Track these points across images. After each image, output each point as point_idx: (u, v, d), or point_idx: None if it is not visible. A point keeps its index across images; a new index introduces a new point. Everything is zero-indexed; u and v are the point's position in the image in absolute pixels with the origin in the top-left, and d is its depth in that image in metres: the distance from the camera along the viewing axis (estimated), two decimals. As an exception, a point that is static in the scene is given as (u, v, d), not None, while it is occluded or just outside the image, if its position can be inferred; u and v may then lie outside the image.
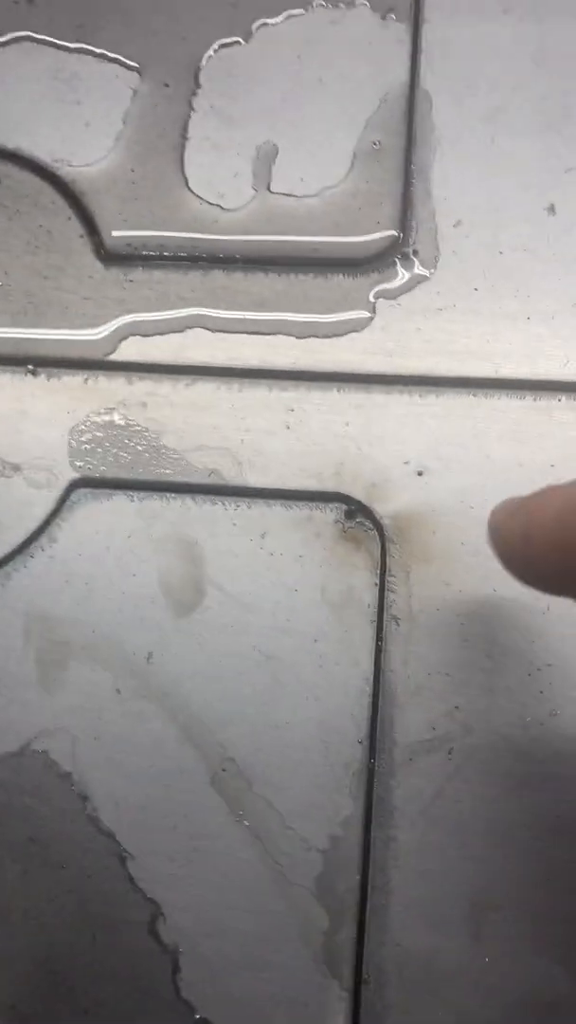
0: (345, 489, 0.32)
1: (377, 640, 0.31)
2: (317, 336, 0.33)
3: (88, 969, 0.30)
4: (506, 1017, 0.28)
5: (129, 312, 0.34)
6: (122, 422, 0.33)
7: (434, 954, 0.29)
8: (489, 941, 0.29)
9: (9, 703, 0.32)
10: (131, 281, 0.34)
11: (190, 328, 0.34)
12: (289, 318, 0.33)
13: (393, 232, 0.33)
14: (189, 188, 0.34)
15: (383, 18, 0.35)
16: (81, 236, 0.35)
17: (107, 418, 0.33)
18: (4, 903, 0.31)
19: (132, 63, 0.36)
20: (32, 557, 0.32)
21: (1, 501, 0.33)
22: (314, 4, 0.35)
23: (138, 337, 0.34)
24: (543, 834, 0.29)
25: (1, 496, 0.33)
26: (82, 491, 0.33)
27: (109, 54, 0.36)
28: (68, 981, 0.30)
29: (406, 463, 0.32)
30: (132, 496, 0.33)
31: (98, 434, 0.33)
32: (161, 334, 0.34)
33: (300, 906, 0.29)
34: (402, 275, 0.33)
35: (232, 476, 0.32)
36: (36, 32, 0.36)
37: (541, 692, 0.29)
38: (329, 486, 0.32)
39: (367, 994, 0.29)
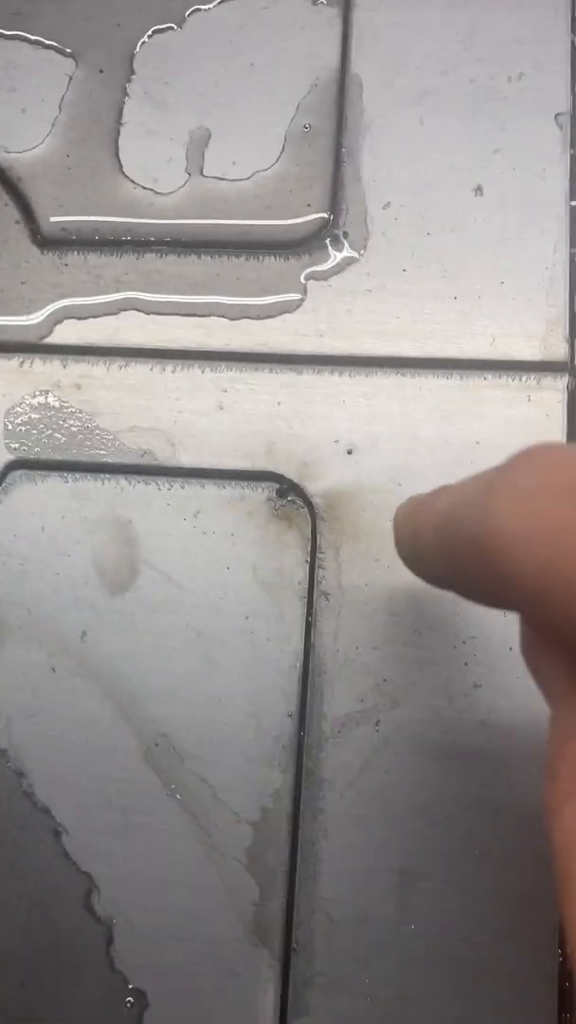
0: (277, 468, 0.32)
1: (307, 616, 0.31)
2: (249, 318, 0.33)
3: (23, 943, 0.30)
4: (430, 982, 0.29)
5: (64, 296, 0.34)
6: (57, 404, 0.34)
7: (362, 922, 0.29)
8: (415, 910, 0.29)
9: (-55, 682, 0.32)
10: (66, 265, 0.34)
11: (124, 311, 0.34)
12: (222, 300, 0.34)
13: (324, 214, 0.34)
14: (124, 173, 0.35)
15: (314, 3, 0.35)
16: (17, 222, 0.35)
17: (42, 400, 0.34)
18: None
19: (67, 50, 0.36)
20: (-32, 538, 0.33)
21: None
22: (247, -10, 0.36)
23: (73, 320, 0.34)
24: (467, 805, 0.29)
25: None
26: (17, 472, 0.33)
27: (45, 41, 0.36)
28: (3, 954, 0.30)
29: (336, 442, 0.32)
30: (67, 477, 0.33)
31: (33, 416, 0.33)
32: (96, 317, 0.34)
33: (231, 878, 0.30)
34: (333, 257, 0.33)
35: (166, 456, 0.33)
36: (-27, 20, 0.37)
37: (465, 664, 0.30)
38: (261, 465, 0.32)
39: (296, 962, 0.29)
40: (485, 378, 0.32)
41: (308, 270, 0.33)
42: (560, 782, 0.19)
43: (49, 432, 0.33)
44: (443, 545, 0.20)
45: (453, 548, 0.20)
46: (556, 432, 0.31)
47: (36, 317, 0.34)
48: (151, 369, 0.33)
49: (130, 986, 0.30)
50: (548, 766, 0.19)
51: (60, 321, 0.34)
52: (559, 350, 0.32)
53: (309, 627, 0.31)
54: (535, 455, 0.18)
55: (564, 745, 0.19)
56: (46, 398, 0.34)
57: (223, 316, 0.34)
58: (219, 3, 0.36)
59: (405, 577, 0.31)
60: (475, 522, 0.18)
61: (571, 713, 0.19)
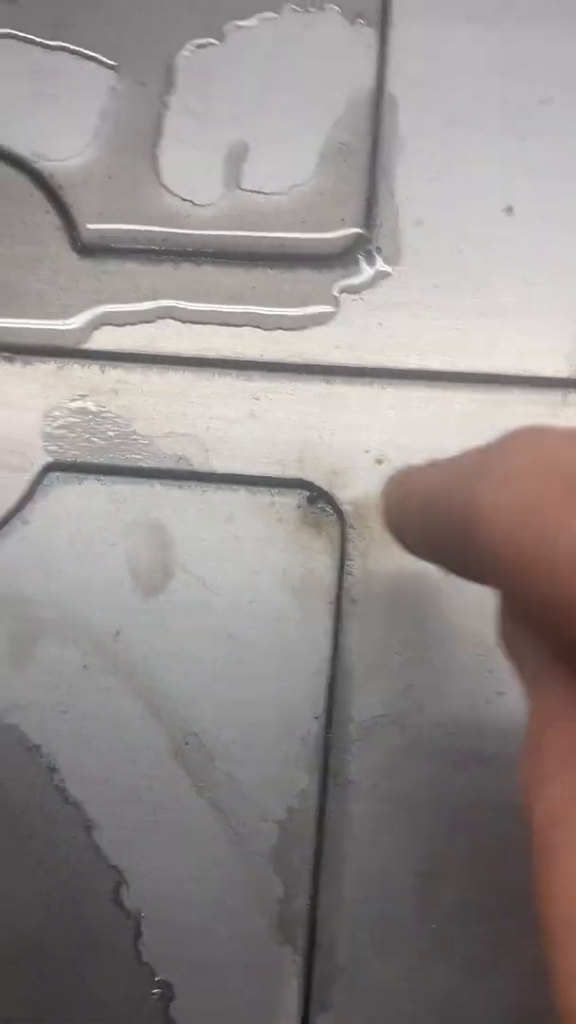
0: (307, 476, 0.33)
1: (335, 620, 0.32)
2: (283, 328, 0.34)
3: (54, 935, 0.31)
4: (450, 978, 0.30)
5: (102, 303, 0.35)
6: (94, 408, 0.34)
7: (384, 921, 0.30)
8: (436, 909, 0.30)
9: (-20, 678, 0.33)
10: (105, 273, 0.35)
11: (161, 319, 0.35)
12: (257, 311, 0.34)
13: (358, 230, 0.35)
14: (163, 184, 0.36)
15: (352, 23, 0.36)
16: (58, 228, 0.36)
17: (80, 404, 0.34)
18: (-27, 870, 0.32)
19: (110, 62, 0.37)
20: (5, 538, 0.33)
21: (-25, 483, 0.34)
22: (286, 8, 0.37)
23: (111, 327, 0.35)
24: (488, 808, 0.30)
25: (-25, 479, 0.34)
26: (55, 475, 0.34)
27: (87, 52, 0.37)
28: (36, 947, 0.31)
29: (366, 451, 0.33)
30: (103, 480, 0.34)
31: (71, 420, 0.34)
32: (133, 324, 0.35)
33: (257, 875, 0.31)
34: (365, 271, 0.34)
35: (200, 462, 0.34)
36: (17, 30, 0.37)
37: (489, 672, 0.31)
38: (292, 473, 0.33)
39: (320, 959, 0.30)
40: (512, 393, 0.33)
41: (341, 283, 0.34)
42: (545, 759, 0.19)
43: (87, 436, 0.34)
44: (429, 515, 0.21)
45: (439, 518, 0.20)
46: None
47: (74, 323, 0.35)
48: (186, 376, 0.34)
49: (157, 978, 0.31)
50: (530, 745, 0.19)
51: (98, 327, 0.35)
52: (586, 368, 0.33)
53: (337, 631, 0.32)
54: (527, 435, 0.19)
55: (547, 725, 0.19)
56: (84, 402, 0.34)
57: (258, 326, 0.34)
58: (259, 20, 0.37)
59: (432, 585, 0.32)
60: (462, 496, 0.19)
61: (551, 695, 0.20)
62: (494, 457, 0.19)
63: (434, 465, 0.22)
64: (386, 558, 0.32)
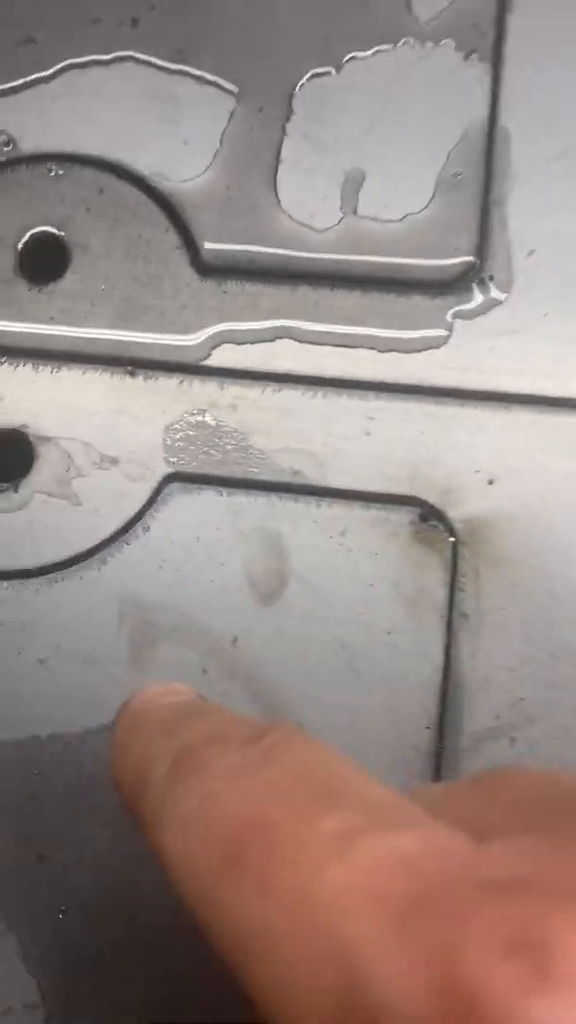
0: (420, 493, 0.34)
1: (447, 634, 0.33)
2: (397, 351, 0.36)
3: (171, 926, 0.32)
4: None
5: (222, 321, 0.36)
6: (213, 423, 0.36)
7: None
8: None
9: (103, 679, 0.34)
10: (225, 292, 0.36)
11: (279, 338, 0.36)
12: (372, 333, 0.36)
13: (471, 258, 0.36)
14: (281, 208, 0.37)
15: (466, 58, 0.38)
16: (178, 247, 0.37)
17: (199, 418, 0.36)
18: (95, 864, 0.33)
19: (229, 87, 0.38)
20: (127, 545, 0.35)
21: (100, 491, 0.35)
22: (401, 41, 0.38)
23: (230, 345, 0.36)
24: (596, 817, 0.31)
25: (100, 487, 0.35)
26: (174, 485, 0.35)
27: (208, 76, 0.38)
28: (152, 937, 0.32)
29: (477, 472, 0.34)
30: (221, 491, 0.35)
31: (191, 433, 0.36)
32: (252, 343, 0.36)
33: (370, 875, 0.32)
34: (478, 298, 0.36)
35: (315, 477, 0.35)
36: (139, 53, 0.39)
37: (599, 687, 0.32)
38: (405, 490, 0.35)
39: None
40: (621, 420, 0.34)
41: (454, 309, 0.36)
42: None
43: (206, 449, 0.35)
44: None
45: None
46: None
47: (195, 339, 0.36)
48: (303, 394, 0.36)
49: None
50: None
51: (218, 345, 0.36)
52: None
53: (449, 645, 0.33)
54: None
55: None
56: (203, 417, 0.36)
57: (372, 348, 0.36)
58: (375, 52, 0.38)
59: (541, 603, 0.33)
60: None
61: None
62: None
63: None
64: (497, 575, 0.33)
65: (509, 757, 0.32)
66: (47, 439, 0.36)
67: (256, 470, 0.35)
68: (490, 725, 0.33)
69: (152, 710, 0.22)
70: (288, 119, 0.38)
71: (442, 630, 0.33)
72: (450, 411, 0.35)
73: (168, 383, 0.36)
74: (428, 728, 0.33)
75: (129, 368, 0.36)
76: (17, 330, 0.37)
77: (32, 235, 0.38)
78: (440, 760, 0.32)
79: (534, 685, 0.33)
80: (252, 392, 0.36)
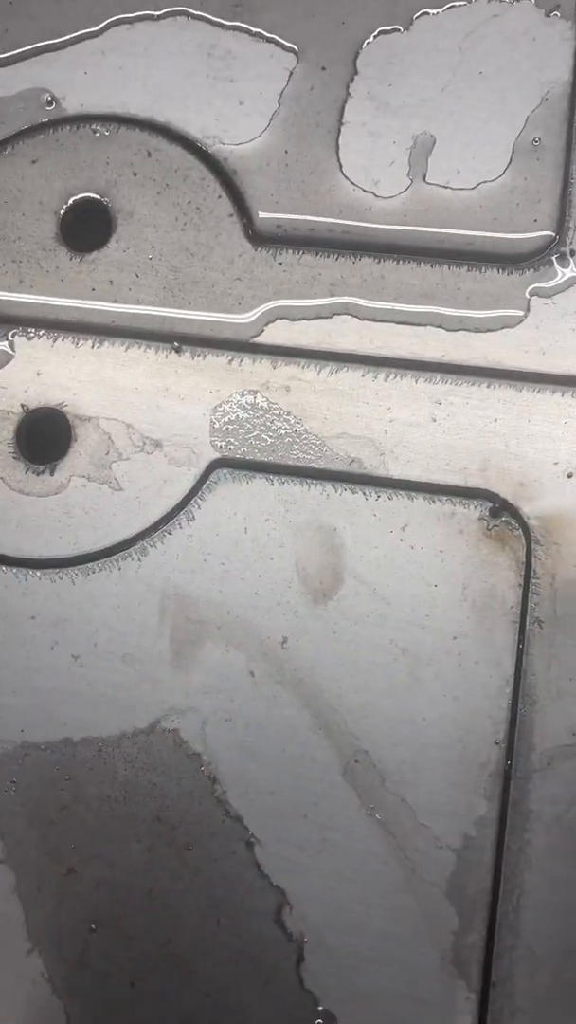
0: (491, 487, 0.32)
1: (519, 642, 0.30)
2: (468, 330, 0.33)
3: (210, 953, 0.30)
4: None
5: (277, 295, 0.34)
6: (265, 404, 0.33)
7: (567, 960, 0.28)
8: (622, 952, 0.28)
9: (141, 679, 0.31)
10: (280, 264, 0.34)
11: (338, 315, 0.33)
12: (440, 311, 0.33)
13: (550, 232, 0.33)
14: (343, 173, 0.34)
15: (547, 14, 0.35)
16: (231, 215, 0.34)
17: (250, 400, 0.33)
18: (128, 881, 0.30)
19: (289, 44, 0.35)
20: (170, 534, 0.32)
21: (142, 477, 0.32)
22: (477, -4, 0.35)
23: (285, 321, 0.33)
24: None
25: (142, 472, 0.33)
26: (222, 471, 0.32)
27: (266, 34, 0.36)
28: (189, 963, 0.30)
29: (555, 464, 0.31)
30: (271, 480, 0.32)
31: (241, 415, 0.33)
32: (308, 319, 0.33)
33: (430, 904, 0.29)
34: (559, 274, 0.33)
35: (374, 466, 0.32)
36: (192, 8, 0.36)
37: None
38: (474, 482, 0.32)
39: (495, 997, 0.29)
40: None
41: (532, 286, 0.33)
42: None
43: (256, 433, 0.33)
44: None
45: None
46: None
47: (248, 316, 0.33)
48: (363, 376, 0.33)
49: (319, 1007, 0.29)
50: None
51: (272, 321, 0.33)
52: None
53: (520, 653, 0.30)
54: None
55: None
56: (254, 398, 0.33)
57: (440, 327, 0.33)
58: (448, 7, 0.35)
59: (624, 609, 0.30)
60: None
61: None
62: None
63: None
64: None
65: (586, 778, 0.29)
66: (86, 419, 0.33)
67: (310, 457, 0.32)
68: (564, 743, 0.30)
69: None
70: (352, 79, 0.35)
71: (513, 637, 0.30)
72: (526, 397, 0.32)
73: (217, 361, 0.33)
74: (497, 744, 0.30)
75: (176, 344, 0.33)
76: (57, 302, 0.34)
77: (75, 201, 0.35)
78: (508, 780, 0.30)
79: (616, 700, 0.30)
80: (308, 373, 0.33)
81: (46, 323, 0.34)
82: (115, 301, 0.34)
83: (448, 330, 0.33)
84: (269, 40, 0.36)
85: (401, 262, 0.33)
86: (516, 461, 0.32)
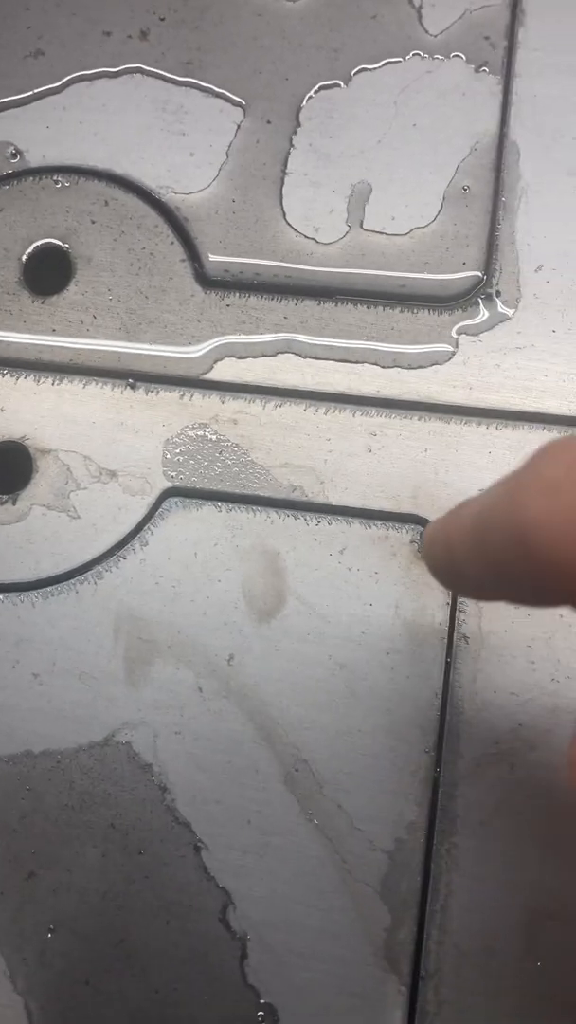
0: (422, 512, 0.34)
1: (447, 657, 0.33)
2: (401, 367, 0.35)
3: (161, 951, 0.32)
4: (554, 1019, 0.30)
5: (224, 334, 0.36)
6: (213, 437, 0.35)
7: (489, 956, 0.30)
8: (542, 948, 0.30)
9: (96, 696, 0.33)
10: (228, 305, 0.36)
11: (281, 353, 0.36)
12: (376, 348, 0.35)
13: (478, 273, 0.35)
14: (287, 220, 0.37)
15: (476, 71, 0.37)
16: (182, 260, 0.37)
17: (200, 433, 0.35)
18: (84, 885, 0.33)
19: (237, 99, 0.38)
20: (124, 559, 0.34)
21: (98, 505, 0.35)
22: (411, 54, 0.38)
23: (232, 359, 0.36)
24: (598, 848, 0.31)
25: (98, 500, 0.35)
26: (173, 499, 0.35)
27: (216, 89, 0.38)
28: (141, 961, 0.32)
29: (480, 490, 0.34)
30: (220, 507, 0.35)
31: (191, 447, 0.35)
32: (254, 357, 0.36)
33: (364, 903, 0.31)
34: (484, 314, 0.35)
35: (315, 493, 0.34)
36: (147, 65, 0.39)
37: (602, 714, 0.31)
38: (406, 508, 0.34)
39: (424, 990, 0.31)
40: (629, 440, 0.33)
41: (460, 324, 0.35)
42: None
43: (205, 463, 0.35)
44: (479, 548, 0.21)
45: (489, 548, 0.20)
46: None
47: (197, 353, 0.36)
48: (304, 410, 0.35)
49: (261, 1000, 0.31)
50: None
51: (220, 359, 0.36)
52: None
53: (448, 668, 0.33)
54: (558, 447, 0.19)
55: None
56: (204, 431, 0.35)
57: (376, 363, 0.35)
58: (384, 64, 0.38)
59: (544, 627, 0.32)
60: (507, 518, 0.19)
61: None
62: (532, 472, 0.19)
63: (472, 500, 0.23)
64: (499, 597, 0.33)
65: (509, 783, 0.31)
66: (47, 451, 0.36)
67: (256, 485, 0.35)
68: (489, 751, 0.32)
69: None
70: (295, 131, 0.37)
71: (442, 652, 0.33)
72: (454, 429, 0.34)
73: (169, 396, 0.36)
74: (426, 752, 0.32)
75: (130, 381, 0.36)
76: (20, 341, 0.37)
77: (37, 247, 0.37)
78: (437, 786, 0.32)
79: (535, 710, 0.32)
80: (253, 407, 0.35)
81: (9, 362, 0.36)
82: (74, 340, 0.37)
83: (383, 367, 0.35)
84: (219, 95, 0.38)
85: (340, 303, 0.36)
86: (445, 488, 0.34)
